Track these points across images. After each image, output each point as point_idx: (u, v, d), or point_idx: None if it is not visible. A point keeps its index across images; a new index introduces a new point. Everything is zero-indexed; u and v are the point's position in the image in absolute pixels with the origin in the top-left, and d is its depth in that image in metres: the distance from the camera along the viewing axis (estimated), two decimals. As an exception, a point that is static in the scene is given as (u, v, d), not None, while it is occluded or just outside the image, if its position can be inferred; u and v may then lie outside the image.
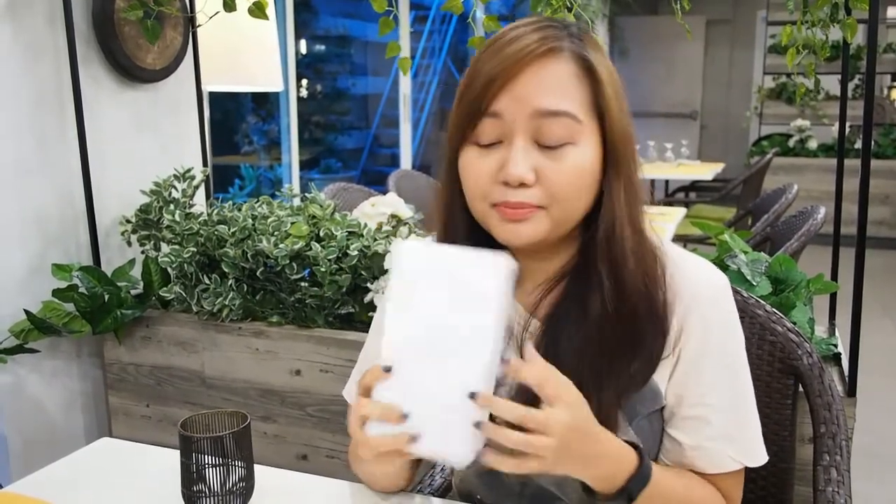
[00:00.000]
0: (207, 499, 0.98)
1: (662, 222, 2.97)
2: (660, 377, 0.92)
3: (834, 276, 1.71)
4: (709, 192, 5.82)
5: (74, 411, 2.03)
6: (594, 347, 0.88)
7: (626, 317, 0.88)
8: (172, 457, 1.02)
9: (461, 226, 0.94)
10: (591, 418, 0.80)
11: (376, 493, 1.04)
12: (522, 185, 0.84)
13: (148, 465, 1.15)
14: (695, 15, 8.03)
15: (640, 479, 0.84)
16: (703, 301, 0.91)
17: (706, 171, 5.52)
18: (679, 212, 3.32)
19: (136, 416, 2.01)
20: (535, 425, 0.73)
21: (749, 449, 0.94)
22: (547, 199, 0.85)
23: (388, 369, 0.76)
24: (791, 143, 7.01)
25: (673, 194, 5.89)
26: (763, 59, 7.48)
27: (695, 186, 6.03)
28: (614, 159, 0.88)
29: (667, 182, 5.91)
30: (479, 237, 0.92)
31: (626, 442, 0.85)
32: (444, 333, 0.74)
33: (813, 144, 6.93)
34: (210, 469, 0.98)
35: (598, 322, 0.88)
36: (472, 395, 0.72)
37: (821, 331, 1.66)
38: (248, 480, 1.01)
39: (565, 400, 0.76)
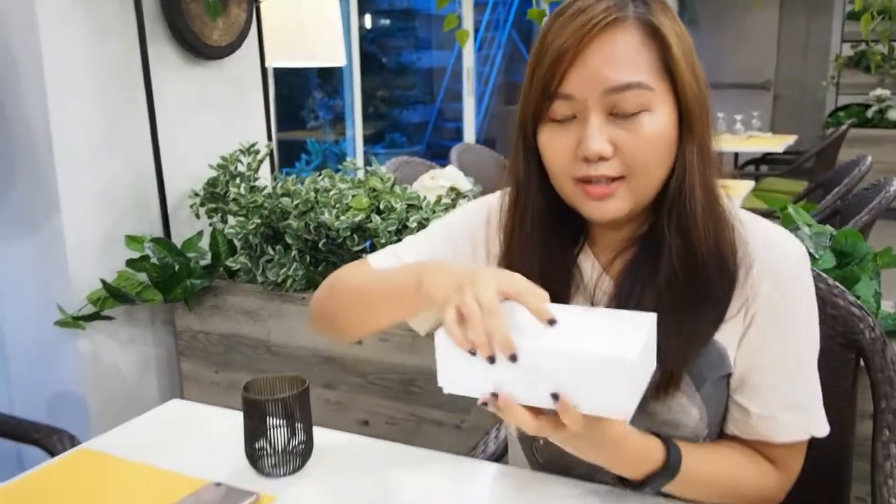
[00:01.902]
0: (269, 457, 1.02)
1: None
2: (728, 342, 0.92)
3: (904, 250, 1.65)
4: (781, 164, 5.64)
5: (149, 376, 2.13)
6: (662, 306, 0.89)
7: (695, 278, 0.89)
8: (237, 417, 1.07)
9: (534, 198, 0.95)
10: (603, 437, 0.80)
11: (432, 455, 1.07)
12: (601, 158, 0.86)
13: (215, 425, 1.21)
14: (769, -19, 7.77)
15: (664, 473, 0.86)
16: (778, 269, 0.91)
17: (777, 144, 5.35)
18: (746, 185, 3.25)
19: (206, 381, 2.09)
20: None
21: (816, 420, 0.95)
22: (626, 170, 0.87)
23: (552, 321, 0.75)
24: (869, 113, 6.72)
25: (742, 167, 5.75)
26: (841, 25, 7.18)
27: (766, 159, 5.86)
28: (688, 121, 0.89)
29: (736, 155, 5.76)
30: (559, 209, 0.95)
31: (658, 435, 0.87)
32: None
33: (893, 115, 6.62)
34: (271, 429, 1.03)
35: (668, 282, 0.90)
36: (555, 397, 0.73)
37: (889, 305, 1.62)
38: (308, 441, 1.05)
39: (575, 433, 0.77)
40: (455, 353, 0.75)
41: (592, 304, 0.97)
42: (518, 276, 0.80)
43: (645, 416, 0.91)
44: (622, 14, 0.85)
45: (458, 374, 0.77)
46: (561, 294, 0.97)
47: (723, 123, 5.64)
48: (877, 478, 1.13)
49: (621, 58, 0.85)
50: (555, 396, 0.73)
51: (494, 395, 0.75)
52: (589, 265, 0.99)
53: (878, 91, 6.75)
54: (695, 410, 0.92)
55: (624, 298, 0.93)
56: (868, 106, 6.81)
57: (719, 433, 0.98)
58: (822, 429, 0.96)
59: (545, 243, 0.96)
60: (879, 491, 1.11)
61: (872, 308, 1.45)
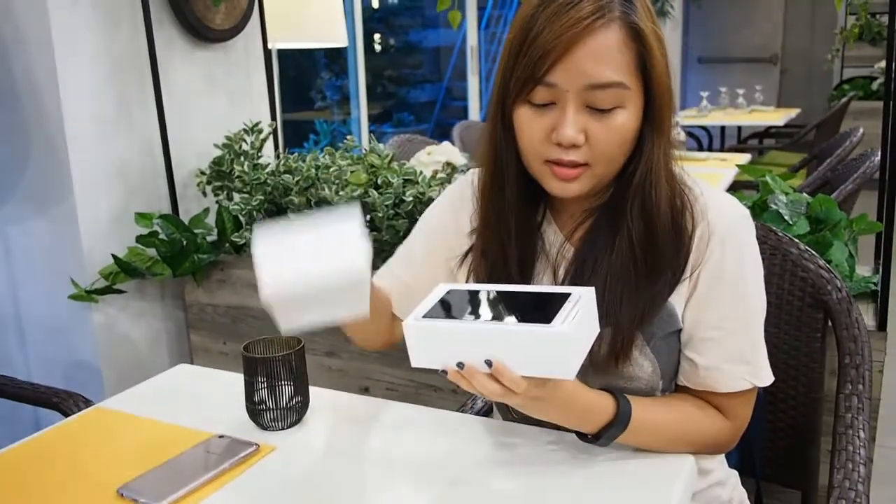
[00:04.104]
0: (268, 411, 1.10)
1: (723, 168, 2.96)
2: (676, 300, 0.99)
3: (880, 217, 1.71)
4: (783, 138, 5.68)
5: (160, 347, 2.22)
6: (619, 273, 0.96)
7: (652, 252, 0.96)
8: (239, 379, 1.14)
9: (512, 173, 1.01)
10: (555, 395, 0.87)
11: (421, 411, 1.15)
12: (573, 145, 0.92)
13: (218, 386, 1.29)
14: (776, -47, 7.73)
15: (616, 424, 0.92)
16: (722, 228, 0.98)
17: (779, 117, 5.37)
18: (742, 158, 3.30)
19: (215, 352, 2.18)
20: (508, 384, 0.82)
21: (759, 370, 1.01)
22: (593, 158, 0.93)
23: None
24: (874, 85, 6.71)
25: (745, 141, 5.77)
26: (847, -3, 7.14)
27: (769, 132, 5.88)
28: (656, 116, 0.95)
29: (739, 129, 5.79)
30: (528, 181, 1.01)
31: (608, 391, 0.94)
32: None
33: (899, 87, 6.59)
34: (270, 386, 1.11)
35: (625, 252, 0.96)
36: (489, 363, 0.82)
37: (866, 270, 1.68)
38: (304, 397, 1.13)
39: (529, 395, 0.84)
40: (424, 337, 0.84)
41: (554, 271, 1.04)
42: None
43: (601, 372, 0.98)
44: (610, 14, 0.90)
45: (427, 354, 0.86)
46: (527, 260, 1.04)
47: (725, 98, 5.67)
48: (838, 427, 1.20)
49: (605, 56, 0.90)
50: (489, 363, 0.80)
51: (460, 365, 0.82)
52: (552, 233, 1.06)
53: (883, 63, 6.72)
54: (647, 363, 0.98)
55: (583, 266, 1.00)
56: (873, 78, 6.80)
57: (675, 387, 1.05)
58: (765, 378, 1.01)
59: (519, 212, 1.03)
60: (839, 440, 1.18)
61: (845, 272, 1.51)
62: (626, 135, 0.93)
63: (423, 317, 0.85)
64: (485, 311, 0.86)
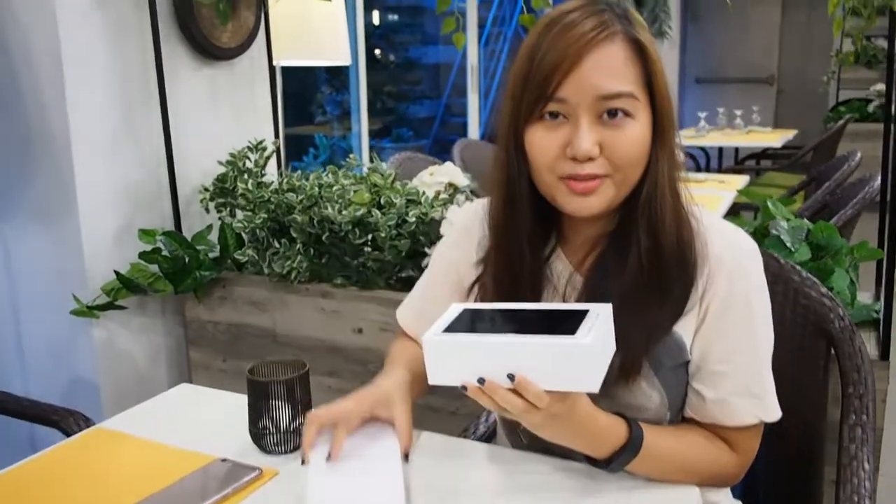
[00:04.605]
0: (272, 435, 1.10)
1: (722, 190, 2.97)
2: (685, 332, 0.99)
3: (881, 243, 1.72)
4: (781, 159, 5.70)
5: (159, 364, 2.21)
6: (628, 300, 0.96)
7: (658, 275, 0.97)
8: (242, 400, 1.14)
9: (525, 197, 1.02)
10: (574, 413, 0.87)
11: (425, 436, 1.15)
12: (589, 158, 0.93)
13: (221, 407, 1.29)
14: (773, -25, 7.79)
15: (628, 450, 0.92)
16: (730, 263, 0.98)
17: (776, 138, 5.40)
18: (741, 180, 3.31)
19: (215, 369, 2.17)
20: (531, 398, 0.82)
21: (767, 405, 1.01)
22: (611, 168, 0.95)
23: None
24: (870, 108, 6.75)
25: (742, 161, 5.80)
26: (843, 20, 7.19)
27: (766, 154, 5.91)
28: (661, 130, 0.97)
29: (736, 150, 5.81)
30: (543, 207, 1.02)
31: (622, 416, 0.94)
32: None
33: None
34: (274, 410, 1.10)
35: (633, 278, 0.97)
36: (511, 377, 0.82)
37: (867, 297, 1.69)
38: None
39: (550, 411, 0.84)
40: (444, 352, 0.84)
41: (564, 301, 1.04)
42: None
43: (609, 400, 0.97)
44: (613, 29, 0.93)
45: (446, 371, 0.85)
46: (537, 290, 1.05)
47: (723, 118, 5.69)
48: (842, 459, 1.20)
49: (612, 69, 0.92)
50: (511, 377, 0.80)
51: (481, 381, 0.82)
52: (560, 265, 1.06)
53: (879, 86, 6.77)
54: (655, 394, 0.99)
55: (592, 291, 1.00)
56: (869, 101, 6.84)
57: (682, 418, 1.05)
58: (772, 414, 1.01)
59: (531, 237, 1.03)
60: (844, 471, 1.18)
61: (847, 299, 1.52)
62: (639, 144, 0.95)
63: (443, 332, 0.85)
64: (502, 327, 0.86)
